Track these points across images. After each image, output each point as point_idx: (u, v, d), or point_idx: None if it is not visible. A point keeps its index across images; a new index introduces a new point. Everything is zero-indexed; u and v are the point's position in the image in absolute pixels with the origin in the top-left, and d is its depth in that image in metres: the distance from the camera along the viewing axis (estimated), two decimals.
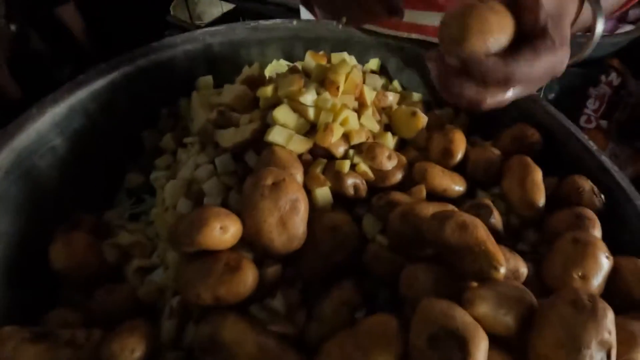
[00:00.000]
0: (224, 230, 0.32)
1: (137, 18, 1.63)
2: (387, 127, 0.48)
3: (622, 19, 1.07)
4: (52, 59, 1.72)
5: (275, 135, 0.40)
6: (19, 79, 1.54)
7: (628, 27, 1.06)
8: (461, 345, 0.26)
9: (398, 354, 0.28)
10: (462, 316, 0.27)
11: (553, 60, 0.30)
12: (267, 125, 0.42)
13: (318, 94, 0.42)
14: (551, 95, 1.05)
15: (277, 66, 0.55)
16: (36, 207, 0.43)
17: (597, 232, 0.37)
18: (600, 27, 0.36)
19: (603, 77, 1.04)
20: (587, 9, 0.36)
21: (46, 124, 0.43)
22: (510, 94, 0.32)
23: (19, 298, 0.39)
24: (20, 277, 0.40)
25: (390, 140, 0.45)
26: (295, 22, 0.55)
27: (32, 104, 0.43)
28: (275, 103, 0.43)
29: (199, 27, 1.45)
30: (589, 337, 0.26)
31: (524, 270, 0.34)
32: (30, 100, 0.44)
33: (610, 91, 1.03)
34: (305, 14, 0.78)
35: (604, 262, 0.34)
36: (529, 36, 0.30)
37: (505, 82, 0.30)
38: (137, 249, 0.43)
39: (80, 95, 0.46)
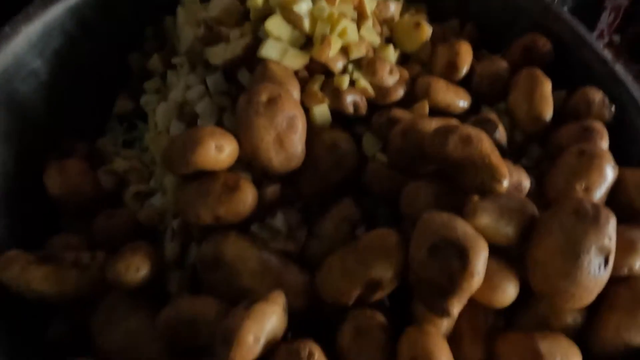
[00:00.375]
0: (219, 150, 0.31)
1: None
2: (389, 40, 0.45)
3: None
4: None
5: (269, 50, 0.37)
6: None
7: None
8: (461, 254, 0.26)
9: (398, 266, 0.29)
10: (463, 227, 0.27)
11: None
12: (259, 39, 0.39)
13: (313, 2, 0.39)
14: (564, 9, 0.98)
15: None
16: (24, 136, 0.42)
17: (605, 143, 0.36)
18: None
19: None
20: None
21: (22, 44, 0.40)
22: None
23: (17, 228, 0.40)
24: (16, 206, 0.40)
25: (392, 53, 0.42)
26: None
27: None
28: (267, 14, 0.39)
29: None
30: (589, 243, 0.26)
31: (526, 183, 0.34)
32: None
33: (627, 2, 0.96)
34: None
35: (609, 174, 0.33)
36: None
37: None
38: (134, 175, 0.42)
39: (55, 11, 0.42)
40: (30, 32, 0.40)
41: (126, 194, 0.41)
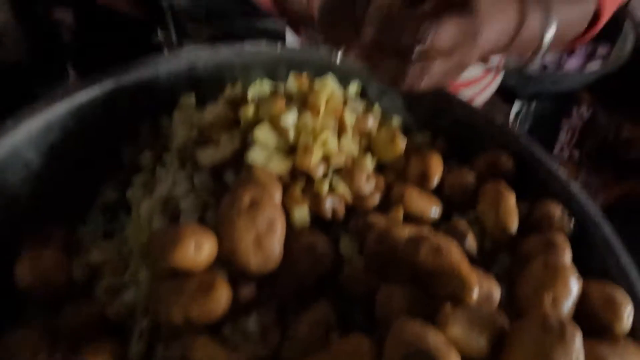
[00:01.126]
0: (198, 248, 0.32)
1: (125, 35, 1.64)
2: (367, 149, 0.49)
3: (591, 55, 1.13)
4: (33, 69, 1.71)
5: (255, 156, 0.40)
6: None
7: (597, 62, 1.12)
8: None
9: None
10: (435, 337, 0.27)
11: (466, 25, 0.30)
12: (247, 145, 0.42)
13: (299, 114, 0.43)
14: (526, 126, 1.10)
15: (260, 86, 0.55)
16: (3, 222, 0.42)
17: (567, 256, 0.38)
18: (548, 35, 0.36)
19: (575, 110, 1.09)
20: (535, 20, 0.36)
21: (21, 138, 0.42)
22: (432, 71, 0.32)
23: None
24: None
25: (369, 163, 0.46)
26: (279, 48, 0.56)
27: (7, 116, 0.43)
28: (256, 123, 0.43)
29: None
30: (557, 357, 0.27)
31: (497, 294, 0.35)
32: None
33: (581, 123, 1.08)
34: (290, 39, 0.79)
35: (574, 286, 0.35)
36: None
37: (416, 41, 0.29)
38: (109, 267, 0.42)
39: (59, 109, 0.45)
40: (31, 127, 0.43)
41: (98, 287, 0.40)
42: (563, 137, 1.08)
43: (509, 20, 0.34)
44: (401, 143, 0.48)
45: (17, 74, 1.67)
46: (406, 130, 0.56)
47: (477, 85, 0.71)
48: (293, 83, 0.48)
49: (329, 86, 0.47)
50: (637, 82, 1.06)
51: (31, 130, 0.43)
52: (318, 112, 0.43)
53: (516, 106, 1.11)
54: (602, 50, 1.12)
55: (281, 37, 0.84)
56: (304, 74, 0.51)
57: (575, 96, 1.10)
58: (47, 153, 0.45)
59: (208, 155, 0.43)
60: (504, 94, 1.13)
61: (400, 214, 0.41)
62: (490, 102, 0.84)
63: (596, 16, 0.47)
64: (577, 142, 1.09)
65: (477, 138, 0.52)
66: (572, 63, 1.09)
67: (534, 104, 1.10)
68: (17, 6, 1.60)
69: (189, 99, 0.53)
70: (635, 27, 1.08)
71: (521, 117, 1.10)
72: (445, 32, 0.30)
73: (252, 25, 1.34)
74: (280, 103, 0.42)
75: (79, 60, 1.77)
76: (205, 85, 0.56)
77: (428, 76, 0.32)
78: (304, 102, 0.45)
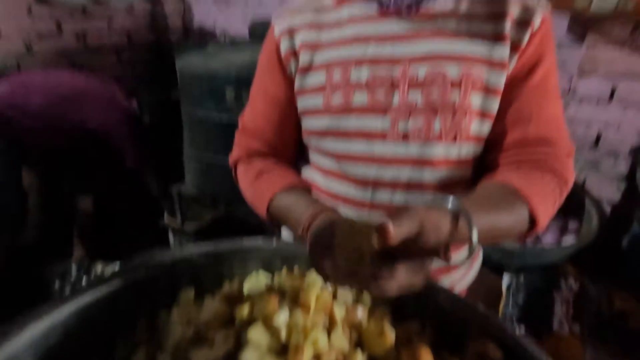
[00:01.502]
0: None
1: (134, 221, 1.77)
2: (358, 341, 0.50)
3: (564, 229, 1.23)
4: (44, 247, 1.79)
5: (248, 358, 0.41)
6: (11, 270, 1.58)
7: (572, 237, 1.21)
8: None
9: None
10: None
11: (412, 276, 0.41)
12: (240, 344, 0.44)
13: (291, 311, 0.46)
14: (519, 298, 1.11)
15: (255, 279, 0.59)
16: None
17: None
18: (474, 237, 0.45)
19: (563, 282, 1.12)
20: (465, 227, 0.46)
21: (22, 343, 0.43)
22: (392, 287, 0.41)
23: None
24: None
25: (360, 359, 0.46)
26: (275, 243, 0.62)
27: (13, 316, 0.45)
28: (250, 321, 0.46)
29: (187, 233, 1.57)
30: None
31: None
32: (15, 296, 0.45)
33: (572, 295, 1.10)
34: (285, 232, 0.88)
35: None
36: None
37: (379, 279, 0.40)
38: None
39: (63, 312, 0.47)
40: (34, 331, 0.45)
41: None
42: (558, 309, 1.08)
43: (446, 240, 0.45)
44: (390, 339, 0.49)
45: (28, 251, 1.76)
46: (395, 317, 0.57)
47: (456, 272, 0.76)
48: (286, 279, 0.52)
49: (319, 281, 0.51)
50: (613, 253, 1.12)
51: (33, 335, 0.44)
52: (309, 310, 0.46)
53: (506, 279, 1.15)
54: (572, 225, 1.22)
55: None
56: (296, 269, 0.56)
57: (560, 269, 1.15)
58: (44, 356, 0.45)
59: (202, 357, 0.44)
60: (492, 266, 1.18)
61: None
62: (479, 276, 0.88)
63: (534, 221, 0.56)
64: (574, 314, 1.08)
65: (462, 326, 0.54)
66: (548, 237, 1.18)
67: (522, 277, 1.13)
68: (44, 192, 1.79)
69: (189, 295, 0.56)
70: (596, 204, 1.20)
71: (513, 290, 1.12)
72: (399, 275, 0.41)
73: (251, 210, 1.47)
74: (274, 303, 0.45)
75: (87, 239, 1.88)
76: (205, 277, 0.60)
77: (387, 291, 0.41)
78: (295, 297, 0.49)
